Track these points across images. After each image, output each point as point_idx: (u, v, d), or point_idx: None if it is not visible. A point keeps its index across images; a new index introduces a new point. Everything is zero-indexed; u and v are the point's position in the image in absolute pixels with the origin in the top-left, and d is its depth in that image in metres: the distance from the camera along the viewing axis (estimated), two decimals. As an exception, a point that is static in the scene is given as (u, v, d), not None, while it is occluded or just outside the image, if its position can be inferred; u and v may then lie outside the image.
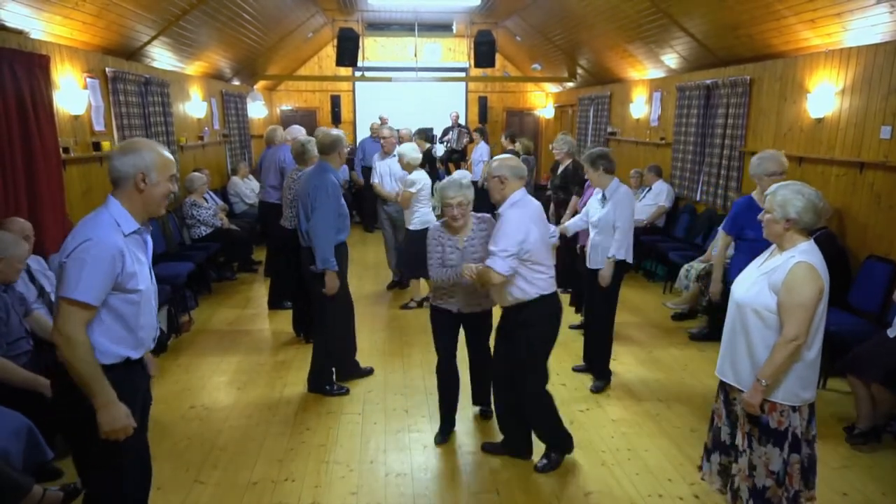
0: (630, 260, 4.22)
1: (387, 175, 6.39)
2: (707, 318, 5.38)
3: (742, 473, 2.54)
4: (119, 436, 2.09)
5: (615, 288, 4.26)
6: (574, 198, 6.01)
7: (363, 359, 4.62)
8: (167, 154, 2.27)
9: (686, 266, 5.99)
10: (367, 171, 9.87)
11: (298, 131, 6.42)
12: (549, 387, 4.34)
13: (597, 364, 4.42)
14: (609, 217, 4.12)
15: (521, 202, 3.15)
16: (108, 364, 2.09)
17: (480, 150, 9.68)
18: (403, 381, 4.49)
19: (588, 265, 4.36)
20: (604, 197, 4.22)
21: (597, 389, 4.33)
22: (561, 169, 6.24)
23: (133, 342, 2.18)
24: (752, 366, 2.45)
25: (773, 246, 2.55)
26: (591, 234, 4.30)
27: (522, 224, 3.06)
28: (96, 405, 2.03)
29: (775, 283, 2.39)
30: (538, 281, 3.15)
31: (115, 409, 2.06)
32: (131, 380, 2.20)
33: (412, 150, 5.76)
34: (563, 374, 4.57)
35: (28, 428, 2.85)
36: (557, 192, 6.30)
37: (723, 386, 2.64)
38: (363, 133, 12.07)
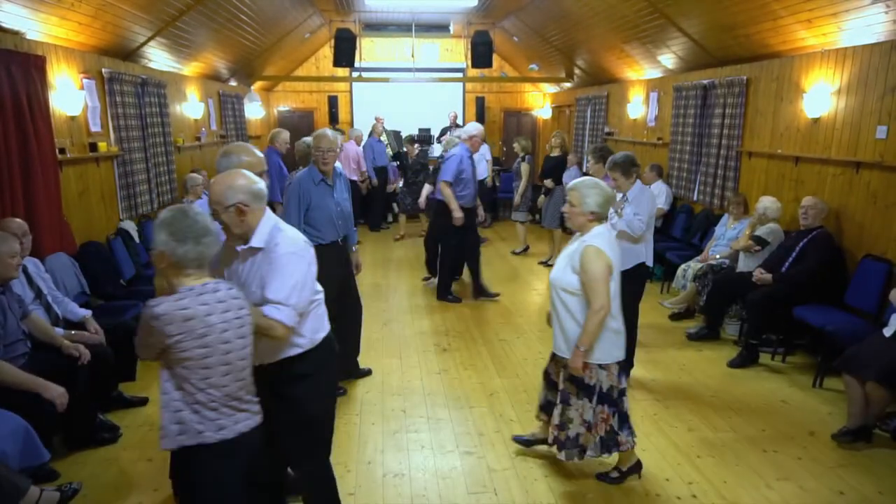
0: (650, 263, 4.23)
1: None
2: (704, 317, 5.39)
3: (550, 422, 3.13)
4: None
5: (639, 289, 4.28)
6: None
7: (361, 360, 4.62)
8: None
9: (683, 266, 6.00)
10: (378, 171, 9.91)
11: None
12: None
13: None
14: (641, 217, 4.14)
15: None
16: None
17: (482, 150, 9.67)
18: (401, 382, 4.49)
19: None
20: (626, 198, 4.22)
21: None
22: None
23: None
24: (564, 335, 3.00)
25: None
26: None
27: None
28: None
29: (576, 266, 2.90)
30: None
31: None
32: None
33: None
34: (561, 374, 4.58)
35: (25, 429, 2.84)
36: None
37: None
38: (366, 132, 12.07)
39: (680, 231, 7.15)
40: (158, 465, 3.39)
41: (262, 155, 2.63)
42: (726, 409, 4.04)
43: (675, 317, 5.79)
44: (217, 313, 2.00)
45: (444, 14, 10.83)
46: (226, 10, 6.88)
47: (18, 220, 3.73)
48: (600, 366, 2.98)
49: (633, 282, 4.26)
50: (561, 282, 2.96)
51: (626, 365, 4.42)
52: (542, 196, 7.82)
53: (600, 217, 2.94)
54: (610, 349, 2.99)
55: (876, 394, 3.46)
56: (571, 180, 8.23)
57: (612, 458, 3.24)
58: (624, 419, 3.08)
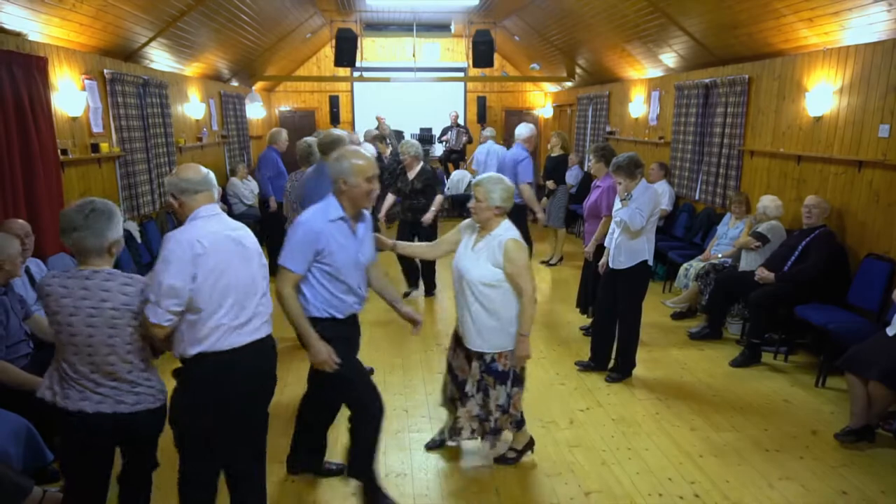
0: (651, 262, 4.26)
1: None
2: (706, 317, 5.38)
3: (468, 414, 3.20)
4: (324, 367, 2.77)
5: (641, 287, 4.32)
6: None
7: (362, 359, 4.61)
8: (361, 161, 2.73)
9: (685, 265, 5.99)
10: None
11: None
12: (548, 386, 4.38)
13: (623, 361, 4.46)
14: (631, 209, 4.14)
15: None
16: (316, 317, 2.79)
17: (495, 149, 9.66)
18: (403, 381, 4.49)
19: (610, 265, 4.38)
20: (629, 196, 4.22)
21: (612, 380, 4.42)
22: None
23: (336, 304, 2.81)
24: (478, 330, 3.08)
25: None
26: (616, 233, 4.32)
27: None
28: (306, 343, 2.71)
29: (497, 259, 2.98)
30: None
31: (316, 347, 2.72)
32: (337, 331, 2.82)
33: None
34: (563, 374, 4.58)
35: (27, 430, 2.85)
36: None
37: (463, 347, 3.23)
38: (362, 133, 12.07)
39: (682, 230, 7.14)
40: (161, 465, 3.40)
41: (373, 160, 2.82)
42: (728, 408, 4.04)
43: (677, 316, 5.78)
44: (73, 297, 2.21)
45: (446, 13, 10.83)
46: (227, 10, 6.89)
47: (21, 220, 3.74)
48: (511, 351, 3.12)
49: (635, 280, 4.27)
50: (479, 277, 3.01)
51: (628, 364, 4.46)
52: (545, 197, 7.79)
53: (504, 211, 3.04)
54: (513, 334, 3.11)
55: (879, 393, 3.46)
56: (575, 180, 8.20)
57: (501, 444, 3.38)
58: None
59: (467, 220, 3.22)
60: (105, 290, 2.23)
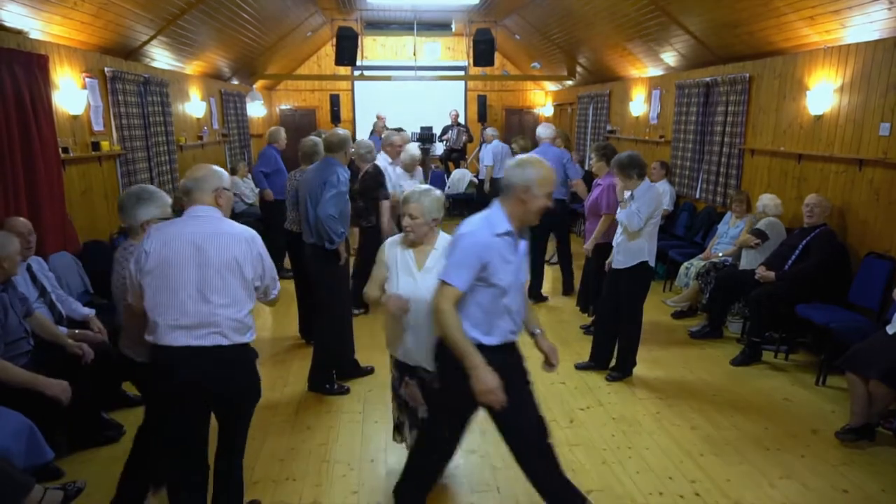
0: (652, 263, 4.25)
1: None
2: (707, 315, 5.38)
3: None
4: (488, 399, 2.34)
5: (642, 287, 4.32)
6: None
7: (363, 358, 4.62)
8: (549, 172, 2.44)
9: (686, 264, 5.99)
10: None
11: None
12: (549, 385, 4.38)
13: (624, 360, 4.46)
14: (634, 217, 4.14)
15: None
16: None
17: (497, 148, 9.65)
18: (404, 379, 4.49)
19: (612, 265, 4.38)
20: (632, 196, 4.22)
21: (612, 379, 4.43)
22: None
23: (487, 328, 2.45)
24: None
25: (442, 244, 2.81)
26: (617, 232, 4.33)
27: None
28: (468, 368, 2.33)
29: None
30: None
31: (483, 374, 2.32)
32: (496, 359, 2.40)
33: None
34: (563, 373, 4.58)
35: (29, 428, 2.85)
36: None
37: (417, 375, 2.92)
38: (362, 132, 12.08)
39: (682, 229, 7.14)
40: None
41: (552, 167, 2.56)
42: (729, 407, 4.04)
43: (677, 315, 5.78)
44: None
45: (446, 12, 10.83)
46: (227, 8, 6.89)
47: (23, 219, 3.75)
48: None
49: (635, 281, 4.27)
50: None
51: (629, 363, 4.46)
52: None
53: (439, 221, 2.87)
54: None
55: (879, 392, 3.46)
56: (575, 178, 8.17)
57: None
58: None
59: (386, 246, 2.95)
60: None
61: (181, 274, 2.36)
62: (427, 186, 2.91)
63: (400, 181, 5.96)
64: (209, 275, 2.37)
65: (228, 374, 2.46)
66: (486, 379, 2.31)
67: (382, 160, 5.81)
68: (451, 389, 2.52)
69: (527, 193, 2.38)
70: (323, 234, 4.04)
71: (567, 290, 6.45)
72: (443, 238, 2.87)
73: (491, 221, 2.43)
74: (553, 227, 6.39)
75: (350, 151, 4.29)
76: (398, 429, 3.21)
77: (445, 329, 2.38)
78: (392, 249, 2.92)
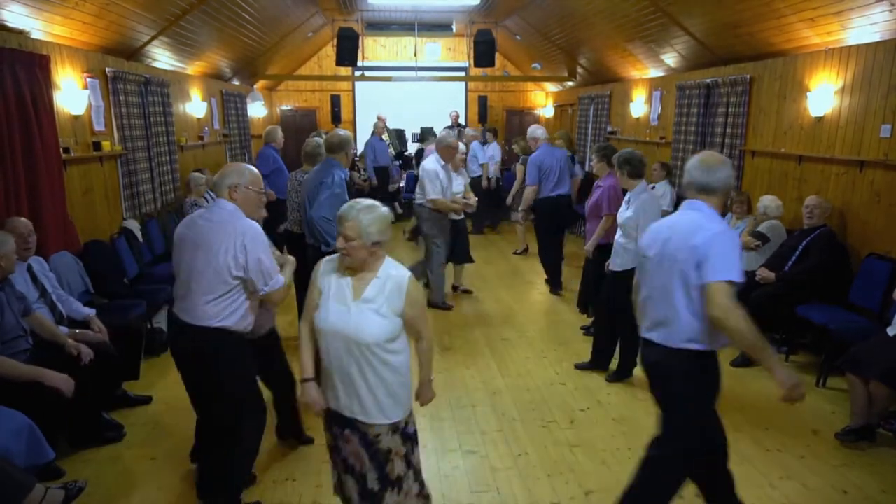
0: None
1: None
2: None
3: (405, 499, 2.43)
4: (798, 392, 2.28)
5: None
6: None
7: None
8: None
9: (686, 265, 5.98)
10: (379, 171, 9.91)
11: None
12: (549, 385, 4.38)
13: (624, 361, 4.46)
14: (631, 221, 4.14)
15: None
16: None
17: (491, 151, 9.69)
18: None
19: (610, 267, 4.38)
20: (629, 199, 4.23)
21: (612, 380, 4.44)
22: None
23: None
24: (375, 397, 2.30)
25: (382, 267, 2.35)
26: (617, 235, 4.34)
27: None
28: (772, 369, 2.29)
29: (396, 307, 2.28)
30: None
31: (790, 377, 2.27)
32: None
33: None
34: (564, 374, 4.58)
35: (29, 427, 2.85)
36: None
37: (356, 429, 2.35)
38: (362, 132, 12.08)
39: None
40: (162, 463, 3.41)
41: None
42: (729, 408, 4.02)
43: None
44: None
45: (447, 13, 10.83)
46: (229, 9, 6.89)
47: (24, 219, 3.75)
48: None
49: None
50: (380, 334, 2.26)
51: (629, 364, 4.46)
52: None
53: (382, 244, 2.32)
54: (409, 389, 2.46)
55: (879, 393, 3.46)
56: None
57: None
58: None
59: (321, 266, 2.43)
60: None
61: (180, 255, 2.74)
62: (370, 202, 2.34)
63: (453, 184, 5.99)
64: (195, 258, 2.67)
65: (196, 350, 2.73)
66: (791, 374, 2.29)
67: (434, 162, 5.79)
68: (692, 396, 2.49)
69: (722, 191, 2.47)
70: (318, 236, 4.05)
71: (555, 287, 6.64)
72: (389, 265, 2.34)
73: (716, 216, 2.45)
74: (565, 223, 6.53)
75: (351, 152, 4.29)
76: (341, 489, 2.51)
77: (745, 330, 2.24)
78: (327, 272, 2.39)
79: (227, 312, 2.70)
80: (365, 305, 2.28)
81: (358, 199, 2.38)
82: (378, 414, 2.33)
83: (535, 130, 6.77)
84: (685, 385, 2.48)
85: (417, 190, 5.95)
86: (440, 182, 5.75)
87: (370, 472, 2.37)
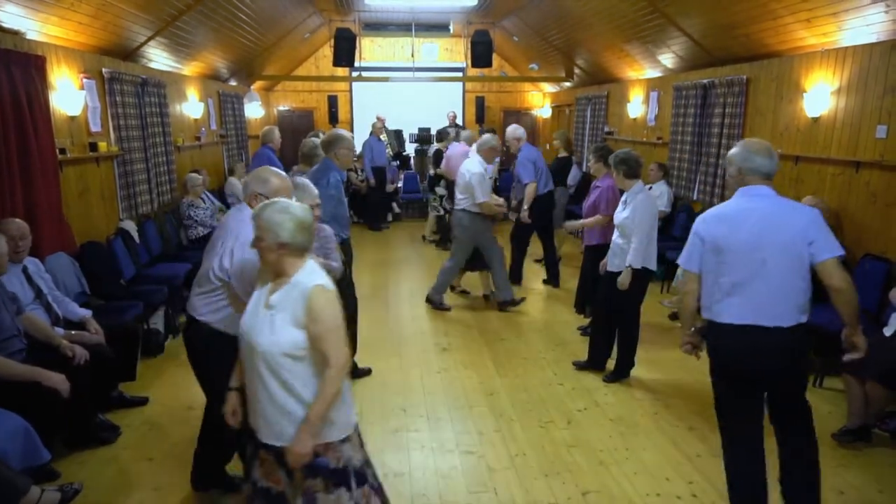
0: (653, 267, 4.23)
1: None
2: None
3: None
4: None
5: (639, 292, 4.30)
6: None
7: (361, 359, 4.62)
8: None
9: (683, 265, 5.99)
10: (377, 171, 9.91)
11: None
12: (546, 386, 4.38)
13: (621, 361, 4.47)
14: (628, 221, 4.15)
15: None
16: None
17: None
18: (401, 381, 4.49)
19: (607, 268, 4.38)
20: (625, 200, 4.24)
21: (610, 380, 4.43)
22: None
23: None
24: (287, 417, 2.12)
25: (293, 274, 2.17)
26: (614, 235, 4.34)
27: None
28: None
29: (298, 317, 2.09)
30: None
31: None
32: None
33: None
34: (561, 374, 4.58)
35: (25, 429, 2.85)
36: None
37: (271, 450, 2.18)
38: (360, 133, 12.08)
39: (680, 230, 7.14)
40: (159, 465, 3.40)
41: None
42: (726, 408, 4.04)
43: (675, 316, 5.79)
44: None
45: (444, 13, 10.83)
46: (225, 9, 6.88)
47: (18, 220, 3.73)
48: (342, 440, 2.21)
49: (633, 284, 4.27)
50: (280, 345, 2.08)
51: (626, 364, 4.47)
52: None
53: (297, 249, 2.14)
54: (348, 414, 2.25)
55: (876, 393, 3.47)
56: (573, 180, 8.23)
57: None
58: (382, 493, 2.38)
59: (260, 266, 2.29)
60: None
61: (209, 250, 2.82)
62: (288, 203, 2.20)
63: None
64: (205, 252, 2.82)
65: (187, 340, 2.88)
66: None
67: (479, 164, 5.79)
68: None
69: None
70: None
71: (515, 278, 6.80)
72: (304, 271, 2.16)
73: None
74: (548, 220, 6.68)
75: (341, 152, 4.21)
76: None
77: (856, 297, 2.57)
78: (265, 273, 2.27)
79: (210, 309, 2.75)
80: (268, 312, 2.13)
81: (276, 199, 2.26)
82: (270, 434, 2.15)
83: (516, 130, 6.71)
84: (805, 358, 2.69)
85: (459, 195, 5.81)
86: (488, 185, 5.86)
87: (302, 481, 2.16)
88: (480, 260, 6.07)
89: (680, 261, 2.79)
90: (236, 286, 2.64)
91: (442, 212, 8.73)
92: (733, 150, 2.69)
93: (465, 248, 5.95)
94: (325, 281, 2.17)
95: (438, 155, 8.95)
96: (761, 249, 2.52)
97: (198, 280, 2.80)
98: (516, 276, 6.82)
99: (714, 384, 2.82)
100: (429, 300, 6.10)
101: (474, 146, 6.34)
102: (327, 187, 4.01)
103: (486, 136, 6.32)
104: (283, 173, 2.79)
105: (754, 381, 2.68)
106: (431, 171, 9.13)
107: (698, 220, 2.73)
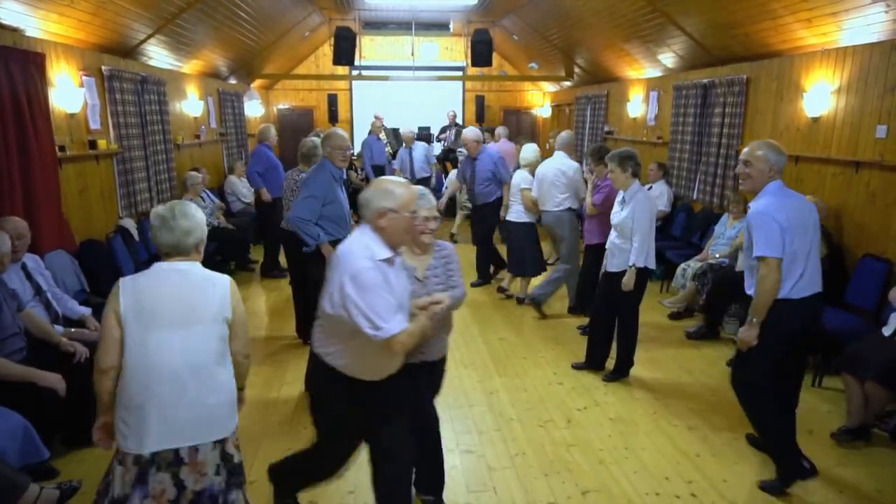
0: (652, 266, 4.22)
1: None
2: (704, 316, 5.39)
3: None
4: None
5: (639, 289, 4.28)
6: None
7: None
8: None
9: (683, 265, 6.00)
10: (376, 169, 9.90)
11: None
12: (546, 385, 4.38)
13: (620, 361, 4.46)
14: (628, 221, 4.13)
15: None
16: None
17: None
18: (401, 379, 4.49)
19: (606, 268, 4.37)
20: (623, 199, 4.22)
21: (609, 380, 4.43)
22: None
23: None
24: (207, 409, 2.15)
25: None
26: (611, 236, 4.32)
27: None
28: None
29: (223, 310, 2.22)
30: None
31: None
32: None
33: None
34: (561, 373, 4.58)
35: (24, 427, 2.85)
36: None
37: (176, 456, 2.13)
38: (360, 132, 12.07)
39: (679, 230, 7.15)
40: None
41: None
42: (726, 407, 4.04)
43: (674, 316, 5.79)
44: None
45: (444, 12, 10.83)
46: (225, 7, 6.88)
47: (17, 218, 3.72)
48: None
49: (635, 287, 4.26)
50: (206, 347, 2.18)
51: (626, 364, 4.46)
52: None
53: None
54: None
55: (875, 393, 3.47)
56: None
57: None
58: None
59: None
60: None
61: None
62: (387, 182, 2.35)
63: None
64: None
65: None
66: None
67: (572, 162, 5.78)
68: None
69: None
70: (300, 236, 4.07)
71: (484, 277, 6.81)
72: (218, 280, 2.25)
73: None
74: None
75: (330, 151, 4.19)
76: None
77: (770, 297, 2.98)
78: None
79: (321, 342, 2.43)
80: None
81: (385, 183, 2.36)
82: (190, 433, 2.17)
83: (472, 132, 6.47)
84: None
85: (559, 195, 5.59)
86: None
87: (218, 482, 2.22)
88: (530, 265, 6.09)
89: (764, 252, 2.99)
90: (356, 319, 2.26)
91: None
92: (761, 150, 3.21)
93: (575, 248, 5.79)
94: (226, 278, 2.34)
95: (451, 156, 9.07)
96: (804, 234, 3.02)
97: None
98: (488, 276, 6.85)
99: (776, 353, 3.07)
100: (533, 301, 5.85)
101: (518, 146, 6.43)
102: (314, 184, 4.02)
103: (568, 133, 6.33)
104: (403, 179, 2.50)
105: (809, 341, 3.25)
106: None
107: (770, 211, 3.00)
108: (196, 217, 2.23)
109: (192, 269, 2.23)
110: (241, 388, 2.37)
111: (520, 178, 5.94)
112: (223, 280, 2.26)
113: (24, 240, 3.67)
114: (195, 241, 2.21)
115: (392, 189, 2.32)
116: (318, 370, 2.44)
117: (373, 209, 2.30)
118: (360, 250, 2.27)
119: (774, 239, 2.95)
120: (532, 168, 5.89)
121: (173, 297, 2.15)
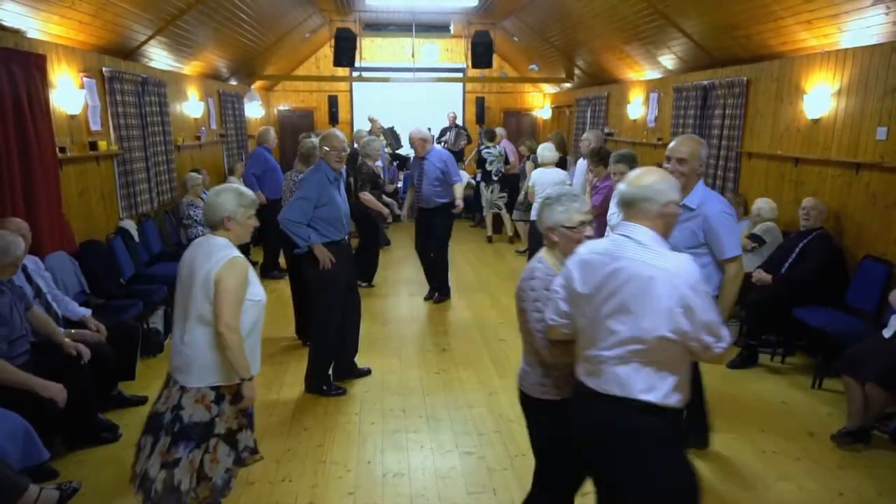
0: None
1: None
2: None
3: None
4: None
5: None
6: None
7: (361, 359, 4.62)
8: None
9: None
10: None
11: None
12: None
13: None
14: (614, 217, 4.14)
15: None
16: None
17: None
18: (401, 381, 4.49)
19: None
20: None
21: None
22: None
23: None
24: (181, 356, 2.56)
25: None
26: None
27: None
28: None
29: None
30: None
31: None
32: None
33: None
34: (561, 375, 4.58)
35: (25, 429, 2.85)
36: None
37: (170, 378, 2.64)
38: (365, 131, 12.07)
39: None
40: (158, 465, 3.39)
41: None
42: (726, 410, 4.04)
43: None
44: None
45: (445, 14, 10.84)
46: (226, 9, 6.88)
47: (18, 220, 3.73)
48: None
49: None
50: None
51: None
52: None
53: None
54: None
55: (875, 395, 3.47)
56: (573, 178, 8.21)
57: None
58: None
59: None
60: None
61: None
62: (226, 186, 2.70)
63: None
64: None
65: None
66: None
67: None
68: None
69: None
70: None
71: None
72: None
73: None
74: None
75: (325, 151, 4.17)
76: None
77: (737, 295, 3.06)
78: None
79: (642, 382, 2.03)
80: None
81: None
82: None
83: (418, 130, 6.18)
84: None
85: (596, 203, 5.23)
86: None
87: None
88: None
89: (734, 252, 3.04)
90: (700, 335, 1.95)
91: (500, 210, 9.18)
92: (693, 146, 3.06)
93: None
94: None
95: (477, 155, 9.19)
96: None
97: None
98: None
99: None
100: None
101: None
102: (307, 185, 4.04)
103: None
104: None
105: None
106: (495, 169, 9.13)
107: (728, 212, 3.06)
108: (220, 197, 2.56)
109: (209, 240, 2.57)
110: (243, 380, 2.53)
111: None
112: (223, 253, 2.51)
113: (27, 239, 3.69)
114: (219, 218, 2.55)
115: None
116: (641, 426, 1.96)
117: (661, 202, 1.97)
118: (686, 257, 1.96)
119: (738, 237, 3.11)
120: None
121: (187, 259, 2.58)
